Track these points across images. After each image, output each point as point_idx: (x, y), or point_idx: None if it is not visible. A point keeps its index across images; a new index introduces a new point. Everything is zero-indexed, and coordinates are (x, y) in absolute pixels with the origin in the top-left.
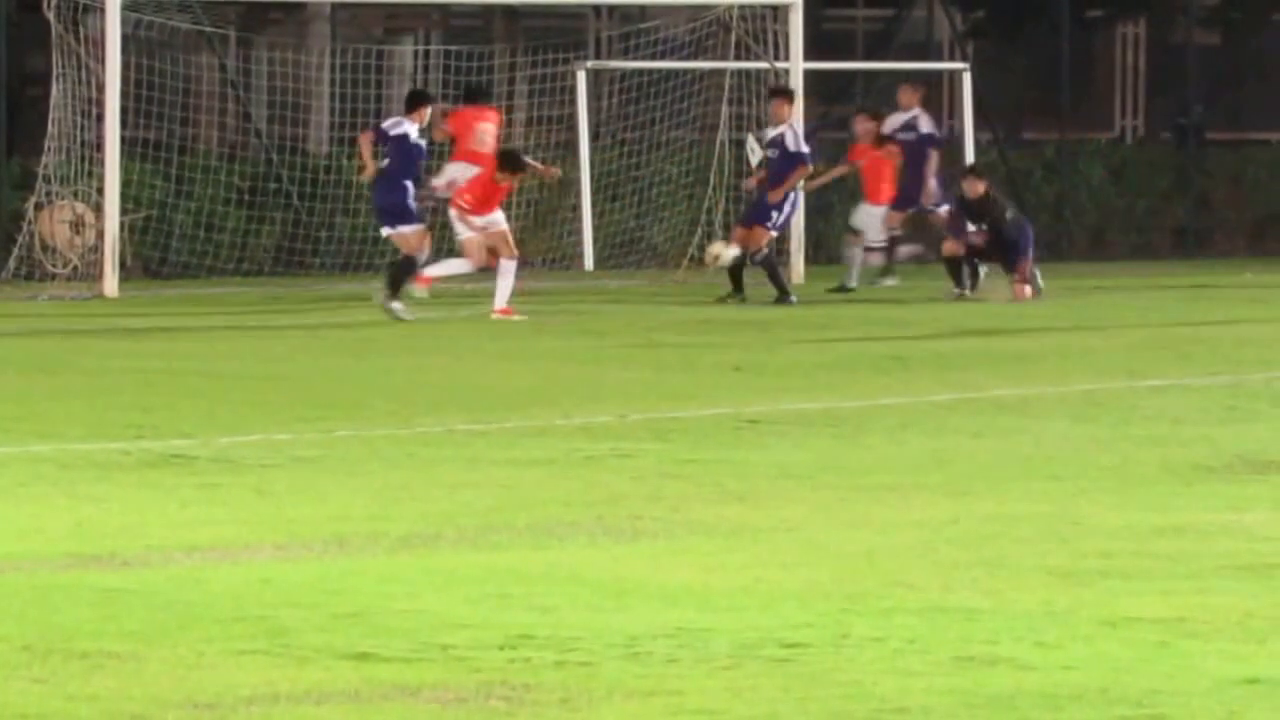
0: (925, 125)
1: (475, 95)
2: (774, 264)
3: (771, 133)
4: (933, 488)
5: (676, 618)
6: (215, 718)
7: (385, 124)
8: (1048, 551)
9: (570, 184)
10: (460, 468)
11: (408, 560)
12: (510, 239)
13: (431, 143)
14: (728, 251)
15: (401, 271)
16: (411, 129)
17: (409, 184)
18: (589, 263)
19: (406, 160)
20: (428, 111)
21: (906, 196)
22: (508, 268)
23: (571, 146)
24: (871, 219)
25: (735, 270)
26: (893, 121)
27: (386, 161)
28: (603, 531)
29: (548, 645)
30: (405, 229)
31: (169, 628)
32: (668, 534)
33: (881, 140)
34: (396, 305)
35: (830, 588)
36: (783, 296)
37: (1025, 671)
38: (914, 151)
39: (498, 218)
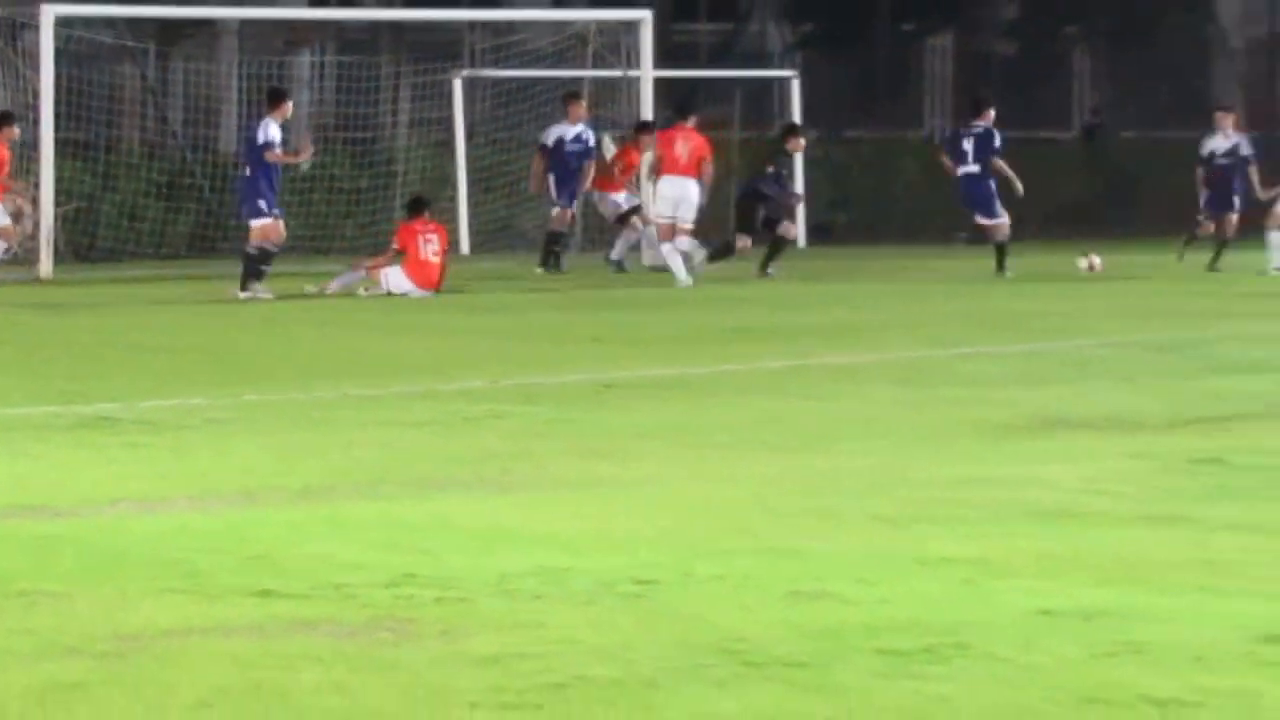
0: (591, 138)
1: None
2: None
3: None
4: (770, 445)
5: (543, 559)
6: (138, 648)
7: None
8: (870, 500)
9: (448, 178)
10: (353, 428)
11: (307, 509)
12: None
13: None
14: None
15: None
16: (274, 129)
17: (262, 181)
18: (465, 247)
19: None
20: (289, 106)
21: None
22: None
23: (449, 145)
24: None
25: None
26: (558, 132)
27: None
28: (478, 484)
29: (429, 584)
30: (254, 222)
31: (97, 570)
32: (535, 486)
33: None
34: (257, 289)
35: (678, 532)
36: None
37: (849, 605)
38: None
39: None
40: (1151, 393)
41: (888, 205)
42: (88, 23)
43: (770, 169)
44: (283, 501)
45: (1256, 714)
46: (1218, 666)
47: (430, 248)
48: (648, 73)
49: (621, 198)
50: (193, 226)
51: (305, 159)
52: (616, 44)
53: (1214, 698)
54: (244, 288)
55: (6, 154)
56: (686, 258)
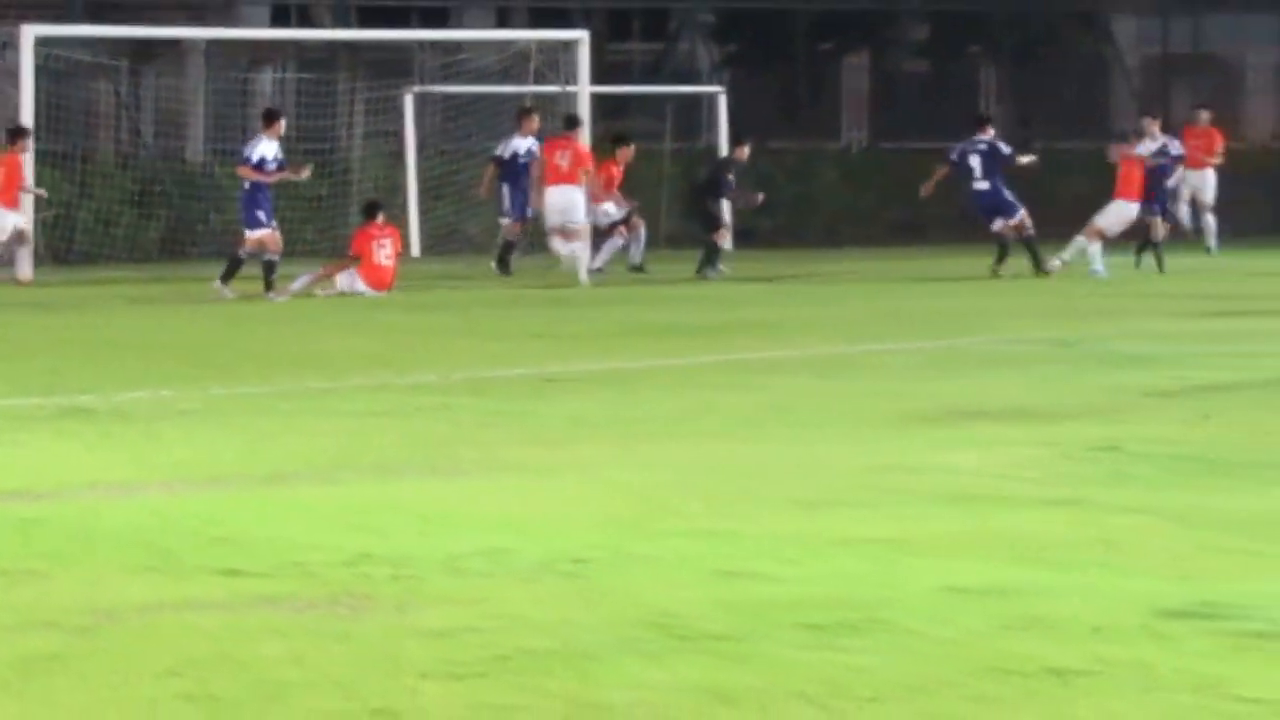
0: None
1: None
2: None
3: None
4: (699, 433)
5: (489, 540)
6: (112, 622)
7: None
8: (792, 484)
9: (399, 187)
10: (314, 418)
11: (270, 494)
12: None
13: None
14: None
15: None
16: (269, 146)
17: (260, 194)
18: (416, 251)
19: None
20: (281, 125)
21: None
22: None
23: (401, 156)
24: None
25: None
26: (514, 145)
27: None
28: (430, 470)
29: (384, 563)
30: (252, 233)
31: (75, 550)
32: (482, 472)
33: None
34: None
35: (614, 515)
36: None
37: (774, 583)
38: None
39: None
40: (1053, 385)
41: (809, 211)
42: (66, 42)
43: (729, 176)
44: (248, 486)
45: (1151, 682)
46: (1115, 639)
47: (384, 251)
48: (585, 89)
49: (611, 208)
50: (163, 232)
51: (289, 178)
52: (556, 62)
53: (1112, 668)
54: (223, 280)
55: (20, 163)
56: (575, 259)
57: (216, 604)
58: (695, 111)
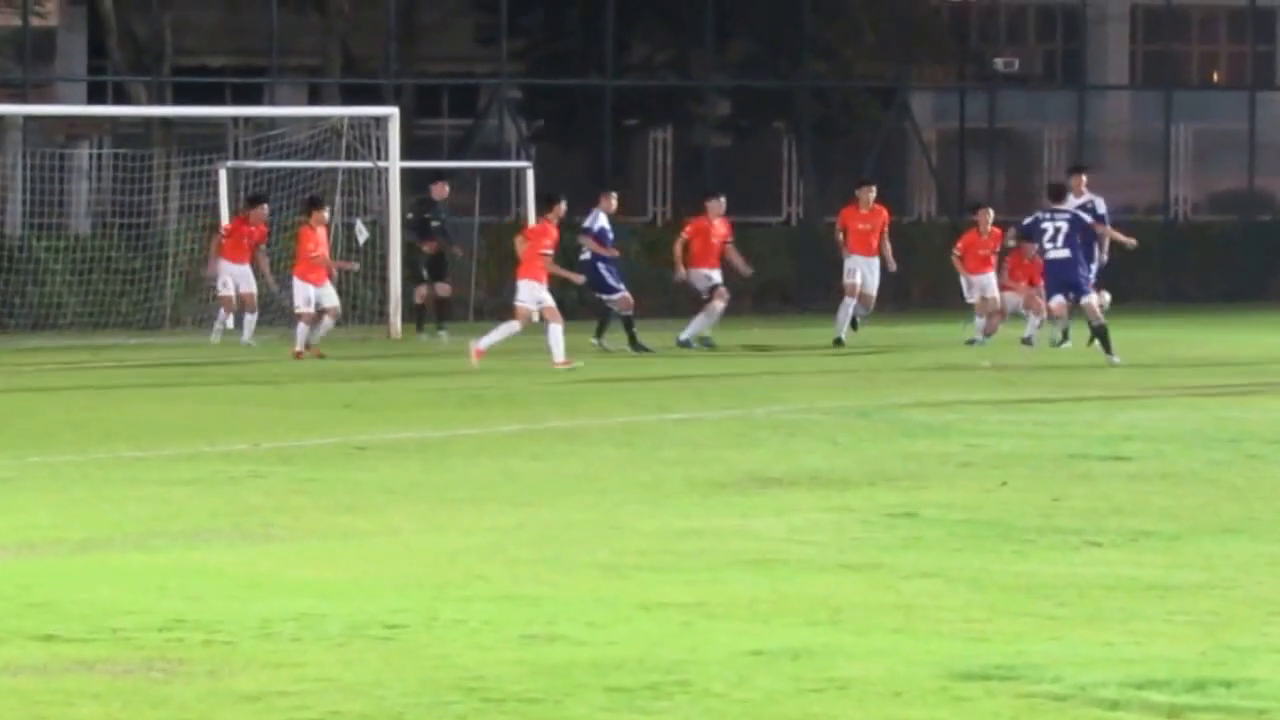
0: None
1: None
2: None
3: None
4: (503, 500)
5: (300, 605)
6: None
7: None
8: (595, 550)
9: (212, 258)
10: (126, 486)
11: (85, 560)
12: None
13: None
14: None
15: None
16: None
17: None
18: (231, 323)
19: None
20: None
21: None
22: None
23: (215, 230)
24: None
25: None
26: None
27: None
28: (241, 536)
29: (197, 628)
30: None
31: None
32: (293, 538)
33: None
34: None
35: (422, 580)
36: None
37: (578, 646)
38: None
39: None
40: (851, 453)
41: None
42: None
43: (426, 216)
44: (63, 553)
45: None
46: (914, 701)
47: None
48: (395, 164)
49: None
50: None
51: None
52: (367, 137)
53: None
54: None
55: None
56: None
57: (33, 668)
58: (504, 185)
